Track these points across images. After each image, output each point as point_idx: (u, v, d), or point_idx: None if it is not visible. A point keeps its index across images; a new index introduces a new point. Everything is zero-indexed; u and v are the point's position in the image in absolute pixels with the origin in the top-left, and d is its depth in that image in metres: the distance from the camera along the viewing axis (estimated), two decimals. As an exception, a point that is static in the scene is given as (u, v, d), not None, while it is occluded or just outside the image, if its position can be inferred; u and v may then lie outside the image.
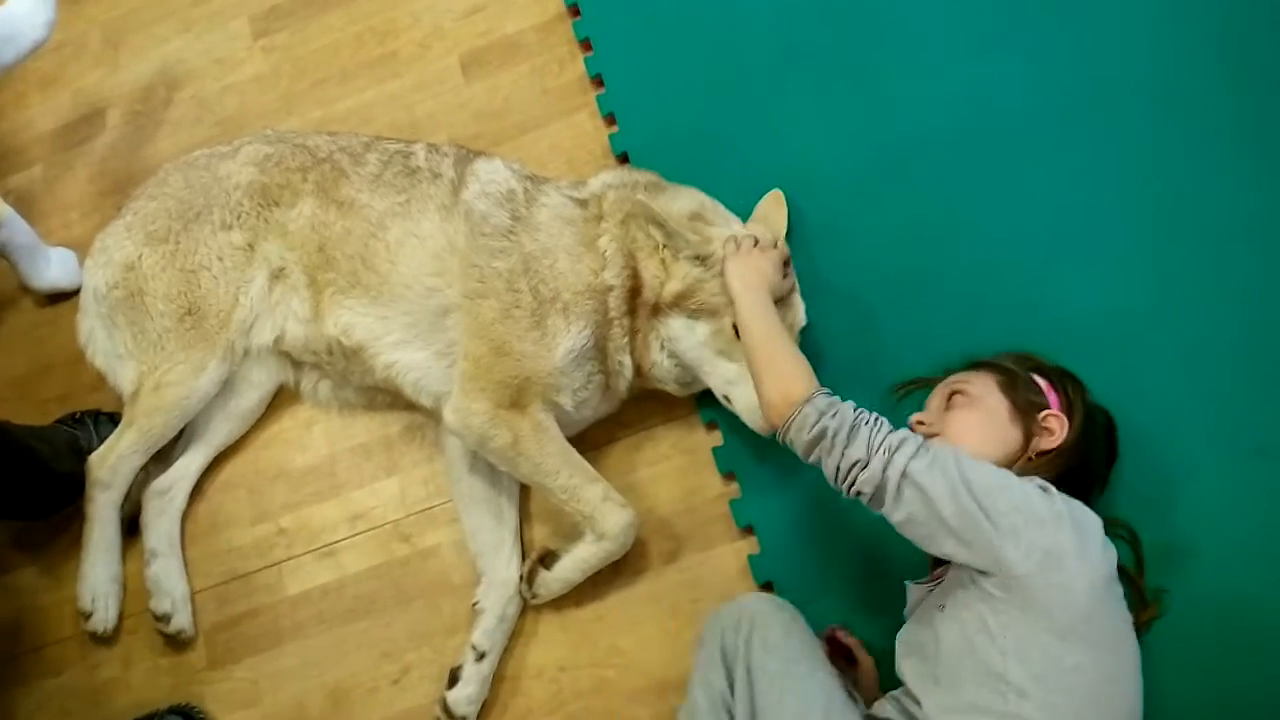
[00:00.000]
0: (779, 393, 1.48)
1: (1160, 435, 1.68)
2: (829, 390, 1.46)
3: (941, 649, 1.38)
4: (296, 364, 2.06)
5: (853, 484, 1.39)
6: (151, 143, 2.46)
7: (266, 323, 1.99)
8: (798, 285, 1.84)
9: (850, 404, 1.44)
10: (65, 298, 2.25)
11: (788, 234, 1.92)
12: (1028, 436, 1.53)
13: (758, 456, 1.86)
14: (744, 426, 1.78)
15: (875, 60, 2.04)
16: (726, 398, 1.79)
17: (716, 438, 1.91)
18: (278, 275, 1.99)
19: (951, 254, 1.90)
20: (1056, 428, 1.53)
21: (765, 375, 1.53)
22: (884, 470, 1.36)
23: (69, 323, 2.10)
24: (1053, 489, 1.40)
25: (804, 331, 1.82)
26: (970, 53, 2.01)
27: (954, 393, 1.60)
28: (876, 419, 1.41)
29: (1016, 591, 1.31)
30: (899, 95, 2.01)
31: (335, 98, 2.35)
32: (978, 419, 1.55)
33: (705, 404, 1.91)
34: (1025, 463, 1.51)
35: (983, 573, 1.34)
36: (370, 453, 2.06)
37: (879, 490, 1.37)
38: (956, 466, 1.35)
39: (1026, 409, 1.54)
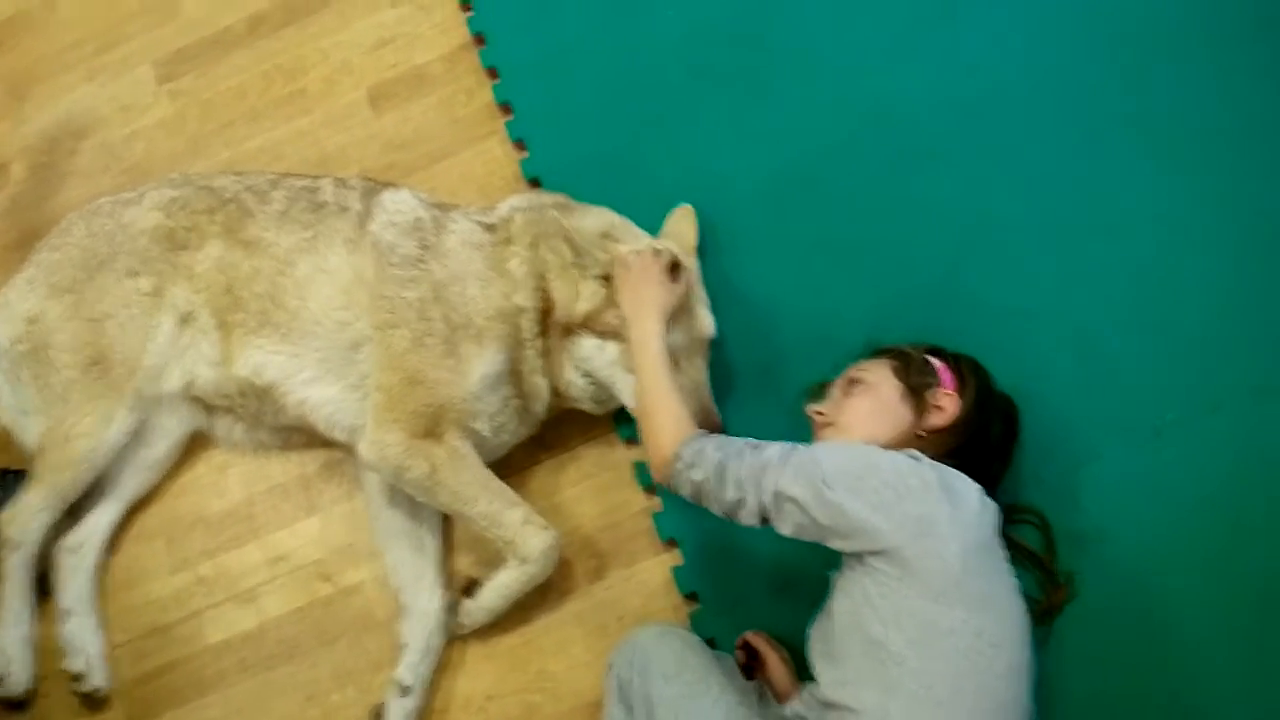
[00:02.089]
0: (655, 452, 1.55)
1: (1064, 423, 1.72)
2: (691, 436, 1.50)
3: (834, 626, 1.42)
4: (209, 408, 2.02)
5: (741, 521, 1.44)
6: (58, 193, 2.43)
7: (175, 368, 1.96)
8: (705, 297, 1.85)
9: (714, 443, 1.47)
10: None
11: (698, 247, 1.93)
12: (919, 415, 1.57)
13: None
14: (663, 442, 1.78)
15: (778, 75, 2.08)
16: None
17: (637, 453, 1.91)
18: (186, 319, 1.96)
19: (858, 261, 1.93)
20: (948, 405, 1.56)
21: (645, 433, 1.60)
22: (759, 499, 1.41)
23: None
24: (924, 458, 1.44)
25: (715, 343, 1.83)
26: (870, 64, 2.05)
27: (851, 381, 1.63)
28: (739, 450, 1.45)
29: (894, 561, 1.34)
30: (802, 109, 2.05)
31: (244, 138, 2.33)
32: (870, 404, 1.59)
33: (624, 421, 1.91)
34: (917, 440, 1.55)
35: (869, 551, 1.37)
36: (288, 493, 2.02)
37: (763, 518, 1.43)
38: (818, 467, 1.39)
39: (919, 389, 1.58)
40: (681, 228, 1.95)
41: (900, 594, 1.34)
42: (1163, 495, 1.66)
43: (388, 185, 1.99)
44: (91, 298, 1.95)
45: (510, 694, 1.82)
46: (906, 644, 1.32)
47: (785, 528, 1.42)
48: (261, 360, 1.91)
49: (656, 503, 1.88)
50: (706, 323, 1.83)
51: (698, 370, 1.80)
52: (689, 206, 1.96)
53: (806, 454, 1.42)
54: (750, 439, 1.49)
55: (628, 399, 1.78)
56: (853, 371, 1.65)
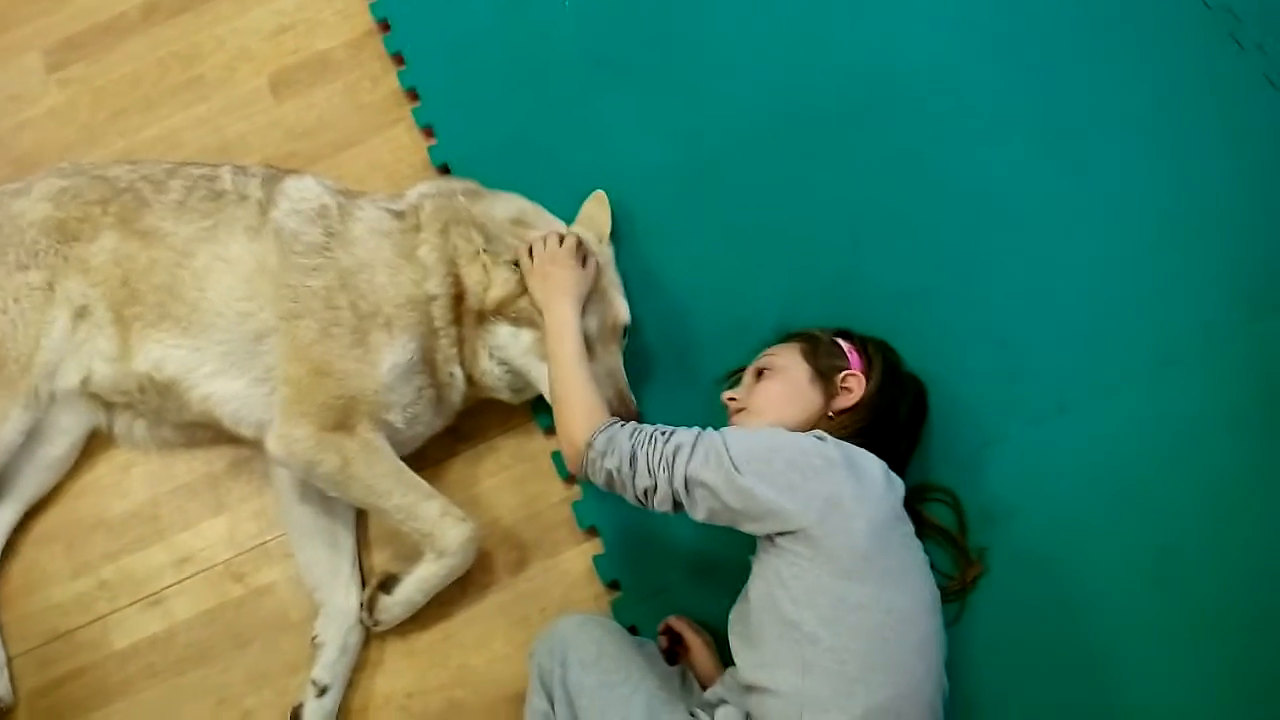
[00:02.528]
0: (567, 441, 1.53)
1: (971, 403, 1.76)
2: (604, 424, 1.49)
3: (750, 610, 1.43)
4: (108, 405, 1.94)
5: (654, 507, 1.44)
6: (-59, 186, 2.30)
7: (71, 364, 1.88)
8: (619, 283, 1.84)
9: (626, 430, 1.47)
10: None
11: (612, 233, 1.93)
12: (829, 396, 1.59)
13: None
14: (580, 429, 1.77)
15: (684, 64, 2.08)
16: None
17: (556, 442, 1.89)
18: (81, 314, 1.87)
19: (767, 246, 1.94)
20: (855, 386, 1.58)
21: (558, 421, 1.58)
22: (670, 485, 1.41)
23: None
24: (829, 438, 1.45)
25: (630, 329, 1.83)
26: (773, 53, 2.06)
27: (762, 366, 1.65)
28: (650, 436, 1.45)
29: (803, 541, 1.36)
30: (708, 96, 2.05)
31: (139, 126, 2.25)
32: (780, 388, 1.61)
33: (542, 411, 1.89)
34: (826, 421, 1.57)
35: (779, 532, 1.38)
36: (195, 492, 1.96)
37: (675, 503, 1.43)
38: (726, 451, 1.40)
39: (827, 371, 1.60)
40: (595, 213, 1.94)
41: (811, 573, 1.35)
42: (1069, 471, 1.72)
43: (291, 172, 1.94)
44: (-21, 293, 1.86)
45: (432, 690, 1.79)
46: (819, 623, 1.33)
47: (698, 513, 1.42)
48: (161, 355, 1.84)
49: (576, 492, 1.87)
50: (621, 309, 1.82)
51: (613, 356, 1.79)
52: (602, 193, 1.95)
53: (715, 439, 1.42)
54: (662, 425, 1.48)
55: (543, 387, 1.76)
56: (763, 357, 1.67)
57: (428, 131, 2.13)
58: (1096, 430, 1.74)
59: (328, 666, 1.76)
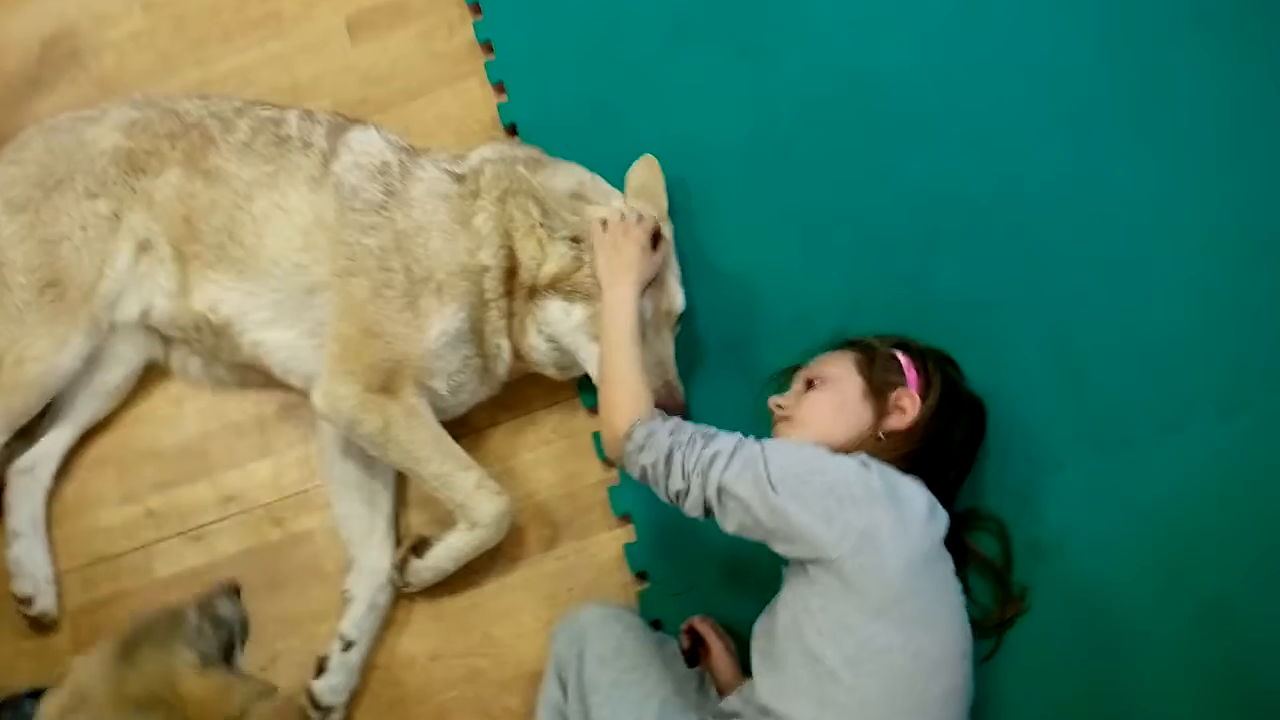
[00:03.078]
0: (609, 428, 1.49)
1: (1031, 427, 1.68)
2: (646, 417, 1.44)
3: (777, 628, 1.39)
4: (165, 340, 1.97)
5: (684, 509, 1.40)
6: (26, 101, 2.33)
7: (133, 296, 1.90)
8: (677, 268, 1.79)
9: (667, 427, 1.42)
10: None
11: (670, 211, 1.86)
12: (880, 415, 1.52)
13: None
14: (624, 412, 1.75)
15: (765, 35, 1.98)
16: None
17: (597, 422, 1.86)
18: (144, 247, 1.89)
19: (834, 236, 1.86)
20: (909, 407, 1.52)
21: (602, 404, 1.53)
22: (703, 491, 1.37)
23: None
24: (873, 464, 1.39)
25: (684, 315, 1.78)
26: (860, 31, 1.96)
27: (814, 374, 1.59)
28: (690, 438, 1.40)
29: (834, 573, 1.32)
30: (786, 73, 1.95)
31: (215, 58, 2.23)
32: (829, 401, 1.55)
33: (587, 389, 1.86)
34: (874, 441, 1.50)
35: (810, 559, 1.34)
36: (243, 432, 1.98)
37: (706, 511, 1.38)
38: (765, 466, 1.35)
39: (881, 388, 1.54)
40: (650, 183, 1.86)
41: (838, 607, 1.31)
42: (1126, 508, 1.64)
43: (356, 122, 1.91)
44: (48, 218, 1.88)
45: (454, 656, 1.81)
46: (842, 660, 1.30)
47: (729, 524, 1.39)
48: (217, 296, 1.85)
49: (613, 476, 1.84)
50: (677, 295, 1.77)
51: (664, 344, 1.74)
52: (653, 158, 1.87)
53: (755, 450, 1.38)
54: (704, 427, 1.44)
55: (591, 367, 1.73)
56: (815, 364, 1.61)
57: (499, 88, 2.07)
58: (1159, 468, 1.65)
59: (356, 622, 1.78)
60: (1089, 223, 1.80)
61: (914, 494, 1.39)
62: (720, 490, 1.36)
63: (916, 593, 1.33)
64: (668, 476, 1.40)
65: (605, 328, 1.61)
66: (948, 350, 1.62)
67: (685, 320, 1.79)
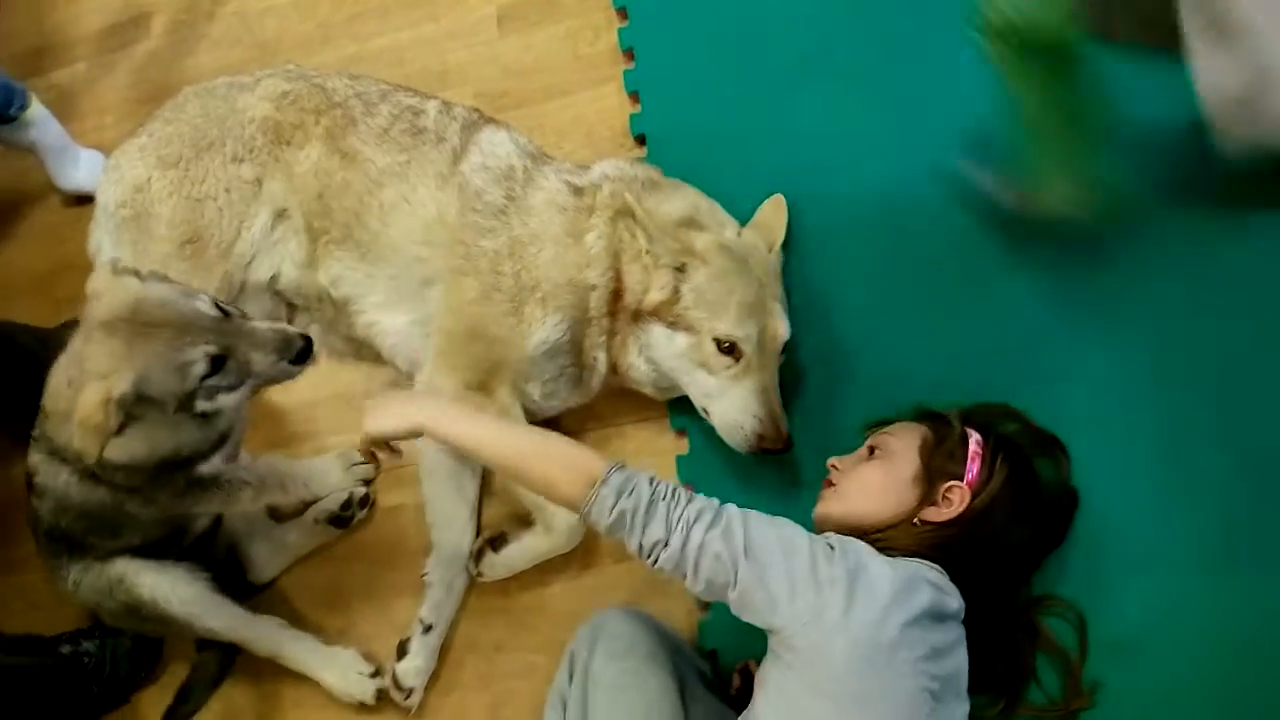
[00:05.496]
0: (563, 485, 1.39)
1: (1132, 520, 1.59)
2: (616, 464, 1.39)
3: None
4: (290, 305, 2.06)
5: (655, 561, 1.36)
6: (191, 55, 2.47)
7: (265, 261, 1.99)
8: (784, 297, 1.77)
9: (645, 477, 1.38)
10: (90, 200, 2.27)
11: (785, 243, 1.85)
12: (923, 502, 1.47)
13: (720, 471, 1.82)
14: (713, 440, 1.76)
15: (904, 82, 1.94)
16: (705, 410, 1.76)
17: (683, 445, 1.88)
18: (280, 215, 1.98)
19: (955, 293, 1.81)
20: (956, 500, 1.46)
21: (540, 480, 1.43)
22: (683, 546, 1.33)
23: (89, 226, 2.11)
24: (839, 549, 1.34)
25: (786, 346, 1.75)
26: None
27: (876, 444, 1.56)
28: (673, 491, 1.37)
29: (784, 645, 1.32)
30: (924, 121, 1.90)
31: (371, 34, 2.31)
32: (877, 480, 1.52)
33: (679, 410, 1.87)
34: (909, 526, 1.46)
35: (767, 629, 1.34)
36: (351, 402, 2.06)
37: (679, 566, 1.35)
38: (743, 536, 1.32)
39: (935, 475, 1.49)
40: (771, 219, 1.86)
41: (786, 677, 1.32)
42: (1216, 628, 1.53)
43: (489, 121, 1.95)
44: (196, 176, 1.98)
45: (517, 650, 1.85)
46: None
47: (697, 585, 1.35)
48: (339, 273, 1.93)
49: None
50: (782, 324, 1.75)
51: (768, 374, 1.72)
52: (781, 198, 1.87)
53: (736, 517, 1.35)
54: (676, 483, 1.40)
55: (692, 391, 1.75)
56: (882, 434, 1.58)
57: (634, 98, 2.09)
58: (1260, 589, 1.54)
59: (434, 607, 1.84)
60: (1218, 340, 1.69)
61: (879, 581, 1.32)
62: (700, 548, 1.33)
63: (860, 674, 1.29)
64: (647, 525, 1.35)
65: (478, 454, 1.48)
66: (1054, 425, 1.55)
67: (786, 351, 1.76)
